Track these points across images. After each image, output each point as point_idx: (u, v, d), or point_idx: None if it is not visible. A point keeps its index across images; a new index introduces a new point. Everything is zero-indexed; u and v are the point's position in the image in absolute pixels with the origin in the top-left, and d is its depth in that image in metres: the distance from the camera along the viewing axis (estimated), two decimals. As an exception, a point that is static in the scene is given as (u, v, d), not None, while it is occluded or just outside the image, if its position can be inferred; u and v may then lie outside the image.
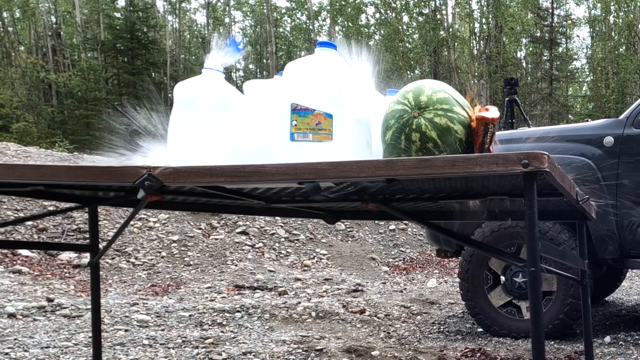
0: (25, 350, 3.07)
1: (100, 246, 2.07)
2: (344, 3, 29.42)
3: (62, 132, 20.99)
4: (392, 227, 8.16)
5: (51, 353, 3.06)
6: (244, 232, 6.98)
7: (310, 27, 31.84)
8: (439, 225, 1.67)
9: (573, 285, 3.47)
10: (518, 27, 27.60)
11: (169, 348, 3.29)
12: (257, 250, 6.74)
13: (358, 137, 1.56)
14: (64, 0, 26.59)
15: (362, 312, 4.40)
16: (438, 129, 1.39)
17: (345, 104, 1.53)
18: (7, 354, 2.99)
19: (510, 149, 3.69)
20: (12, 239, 5.50)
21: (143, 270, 5.77)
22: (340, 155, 1.44)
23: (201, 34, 31.74)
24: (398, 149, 1.42)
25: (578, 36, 32.10)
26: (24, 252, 5.48)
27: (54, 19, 26.36)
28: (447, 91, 1.46)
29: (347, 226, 7.87)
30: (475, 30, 29.30)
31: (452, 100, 1.43)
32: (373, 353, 3.25)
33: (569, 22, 29.53)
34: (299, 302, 4.56)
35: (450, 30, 28.24)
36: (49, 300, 4.25)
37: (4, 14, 24.56)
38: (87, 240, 2.01)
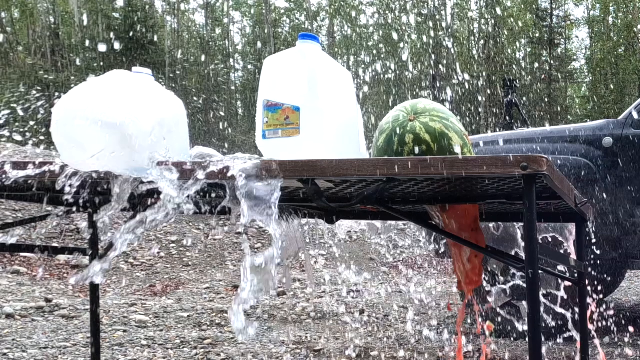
0: (24, 351, 3.06)
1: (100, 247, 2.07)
2: (343, 3, 29.43)
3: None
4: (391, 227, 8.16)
5: (50, 354, 3.05)
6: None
7: (310, 27, 31.82)
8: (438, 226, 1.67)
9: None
10: (517, 28, 27.59)
11: (167, 349, 3.28)
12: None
13: (331, 131, 1.44)
14: (63, 1, 26.57)
15: (361, 312, 4.40)
16: (432, 133, 1.40)
17: (316, 96, 1.42)
18: (5, 354, 2.98)
19: (509, 150, 3.70)
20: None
21: (142, 270, 5.76)
22: (308, 152, 1.36)
23: (200, 34, 31.70)
24: (390, 152, 1.41)
25: (577, 37, 32.09)
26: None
27: (52, 19, 26.34)
28: (445, 109, 1.47)
29: (347, 226, 7.87)
30: (474, 31, 29.30)
31: (449, 112, 1.45)
32: (372, 353, 3.25)
33: (568, 22, 29.55)
34: (298, 303, 4.56)
35: (450, 30, 28.24)
36: (48, 300, 4.24)
37: (3, 14, 24.54)
38: (86, 241, 2.01)
